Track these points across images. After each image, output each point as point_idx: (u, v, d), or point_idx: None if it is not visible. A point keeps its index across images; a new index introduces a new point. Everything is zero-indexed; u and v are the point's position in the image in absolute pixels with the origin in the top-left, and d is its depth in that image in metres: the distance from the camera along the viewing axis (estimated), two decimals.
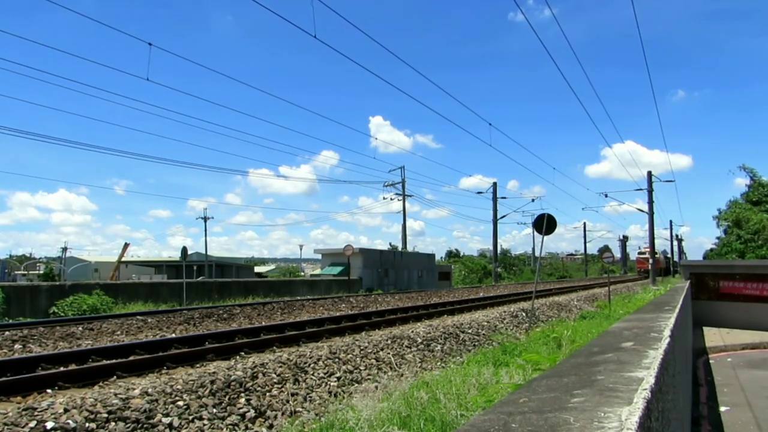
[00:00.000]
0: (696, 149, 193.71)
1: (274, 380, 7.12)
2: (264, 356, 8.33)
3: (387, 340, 9.95)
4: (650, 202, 40.52)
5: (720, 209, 57.42)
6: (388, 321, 13.46)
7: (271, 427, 6.14)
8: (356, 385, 7.78)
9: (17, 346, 10.33)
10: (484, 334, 12.48)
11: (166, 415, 5.60)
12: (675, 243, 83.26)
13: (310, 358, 8.16)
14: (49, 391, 6.50)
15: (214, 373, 6.84)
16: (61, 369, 7.45)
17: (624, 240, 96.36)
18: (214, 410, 5.98)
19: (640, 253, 77.19)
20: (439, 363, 9.62)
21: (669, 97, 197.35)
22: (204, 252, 57.26)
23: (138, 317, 15.03)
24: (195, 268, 46.71)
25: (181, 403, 5.88)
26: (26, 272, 59.64)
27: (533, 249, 78.54)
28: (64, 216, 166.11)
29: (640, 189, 42.07)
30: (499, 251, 55.35)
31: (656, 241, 47.37)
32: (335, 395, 7.22)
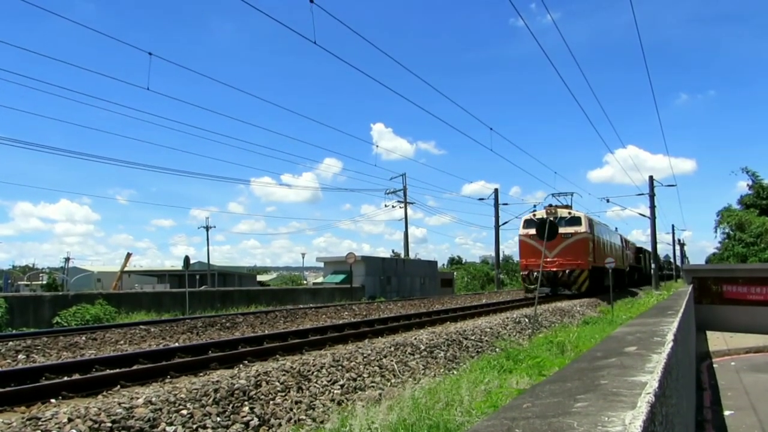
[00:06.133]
0: (700, 153, 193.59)
1: (278, 388, 7.12)
2: (267, 364, 8.32)
3: (390, 348, 9.94)
4: (652, 207, 40.50)
5: (722, 209, 57.14)
6: (390, 328, 13.44)
7: None
8: (360, 392, 7.77)
9: (21, 356, 10.34)
10: (487, 340, 12.46)
11: (170, 424, 5.60)
12: (677, 247, 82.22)
13: (314, 366, 8.16)
14: (52, 401, 6.49)
15: (217, 381, 6.84)
16: (65, 379, 7.45)
17: None
18: (218, 419, 5.98)
19: (526, 221, 28.04)
20: (442, 370, 9.60)
21: (671, 100, 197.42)
22: (206, 261, 57.30)
23: (141, 327, 15.04)
24: (197, 277, 46.78)
25: (184, 411, 5.88)
26: (29, 283, 59.68)
27: None
28: (66, 226, 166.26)
29: (642, 194, 42.00)
30: (501, 257, 55.28)
31: (659, 245, 46.74)
32: (339, 403, 7.21)
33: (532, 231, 25.02)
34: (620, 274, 35.33)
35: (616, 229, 40.94)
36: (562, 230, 24.66)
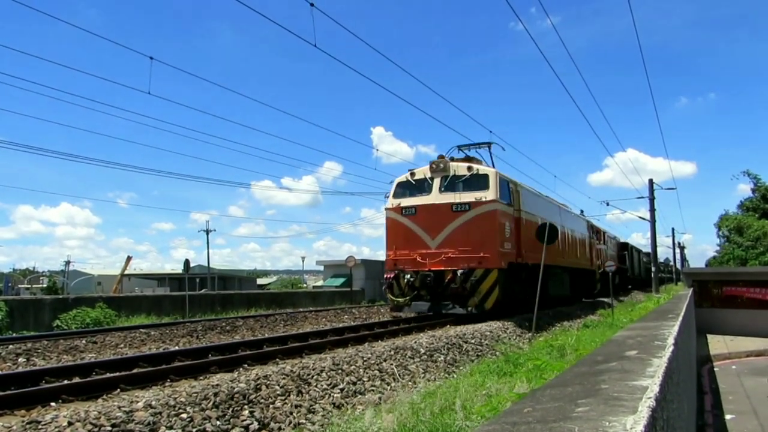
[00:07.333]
0: (700, 156, 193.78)
1: (278, 392, 7.11)
2: (267, 368, 8.32)
3: (390, 351, 9.92)
4: (652, 210, 40.45)
5: (721, 215, 57.21)
6: (390, 332, 13.43)
7: None
8: (360, 396, 7.76)
9: (21, 359, 10.34)
10: (487, 344, 12.45)
11: (170, 428, 5.59)
12: (677, 250, 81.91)
13: (314, 369, 8.14)
14: (53, 404, 6.49)
15: (217, 385, 6.83)
16: (65, 382, 7.44)
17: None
18: (218, 423, 5.97)
19: (400, 185, 16.85)
20: (442, 373, 9.59)
21: (672, 103, 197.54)
22: (207, 264, 57.31)
23: (141, 330, 15.02)
24: (198, 280, 46.79)
25: (184, 415, 5.87)
26: (30, 286, 59.73)
27: None
28: (67, 229, 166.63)
29: (642, 197, 41.99)
30: None
31: (659, 249, 46.38)
32: (339, 407, 7.20)
33: (408, 201, 16.15)
34: (584, 277, 24.45)
35: (582, 212, 30.37)
36: (452, 198, 15.40)
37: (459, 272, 14.81)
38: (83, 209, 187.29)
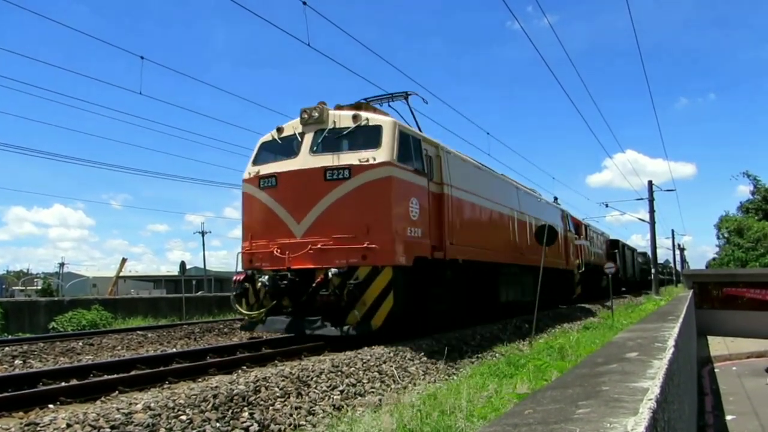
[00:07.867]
0: (699, 157, 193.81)
1: (277, 394, 7.09)
2: (266, 370, 8.30)
3: (389, 353, 9.90)
4: (651, 212, 40.49)
5: (721, 217, 57.26)
6: None
7: None
8: (359, 398, 7.75)
9: (17, 361, 10.30)
10: (487, 345, 12.44)
11: (170, 430, 5.57)
12: (677, 252, 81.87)
13: (313, 371, 8.13)
14: (51, 406, 6.47)
15: (216, 387, 6.81)
16: (63, 384, 7.42)
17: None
18: (218, 424, 5.95)
19: (264, 146, 11.88)
20: (442, 375, 9.57)
21: (671, 104, 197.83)
22: (203, 266, 57.31)
23: (138, 332, 14.98)
24: (194, 282, 46.76)
25: (183, 417, 5.85)
26: (24, 288, 59.63)
27: None
28: (60, 231, 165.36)
29: (641, 198, 42.03)
30: None
31: (659, 250, 46.45)
32: (339, 408, 7.19)
33: (268, 168, 11.44)
34: (557, 279, 20.81)
35: (557, 200, 25.02)
36: (328, 161, 10.62)
37: (332, 272, 10.09)
38: (76, 210, 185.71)
